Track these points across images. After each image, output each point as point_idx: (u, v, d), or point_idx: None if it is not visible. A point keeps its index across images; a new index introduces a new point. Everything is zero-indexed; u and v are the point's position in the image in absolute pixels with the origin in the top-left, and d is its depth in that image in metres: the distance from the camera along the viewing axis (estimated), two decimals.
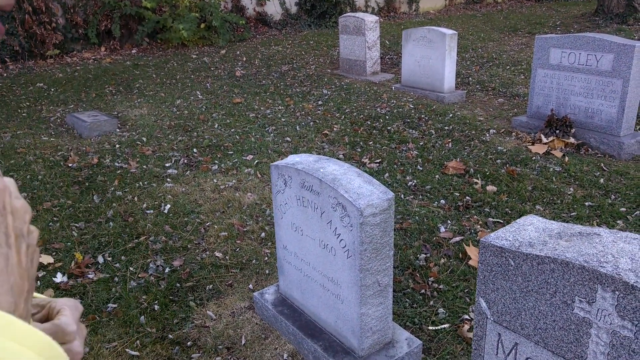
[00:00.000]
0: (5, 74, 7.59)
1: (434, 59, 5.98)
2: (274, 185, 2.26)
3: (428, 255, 2.91)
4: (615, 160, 4.27)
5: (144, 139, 4.91)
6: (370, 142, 4.71)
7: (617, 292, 1.03)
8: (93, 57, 8.45)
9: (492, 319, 1.33)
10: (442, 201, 3.58)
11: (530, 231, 1.28)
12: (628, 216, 3.34)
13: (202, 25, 8.93)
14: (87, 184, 3.97)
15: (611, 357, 1.09)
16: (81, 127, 5.14)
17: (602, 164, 4.15)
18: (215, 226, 3.31)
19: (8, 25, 7.99)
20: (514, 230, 1.29)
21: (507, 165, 4.14)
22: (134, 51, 8.84)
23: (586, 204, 3.51)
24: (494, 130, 4.98)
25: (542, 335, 1.21)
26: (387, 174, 4.02)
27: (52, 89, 6.80)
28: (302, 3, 11.16)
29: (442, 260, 2.85)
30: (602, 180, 3.84)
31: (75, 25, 8.64)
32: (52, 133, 5.21)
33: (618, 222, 3.27)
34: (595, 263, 1.07)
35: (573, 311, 1.13)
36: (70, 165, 4.31)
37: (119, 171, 4.18)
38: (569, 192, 3.67)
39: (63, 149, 4.68)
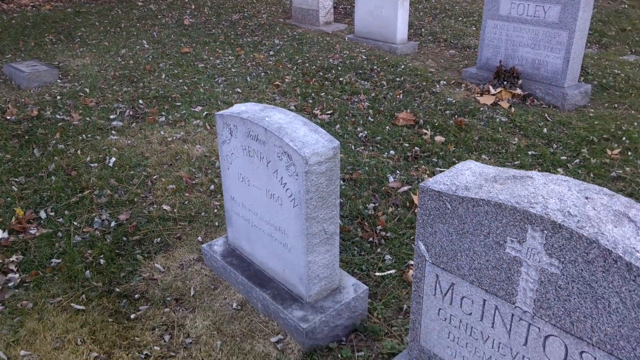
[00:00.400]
0: None
1: (386, 9, 5.91)
2: (219, 135, 2.22)
3: (377, 204, 2.95)
4: (559, 110, 4.39)
5: (87, 90, 4.70)
6: (322, 94, 4.67)
7: (545, 231, 1.07)
8: (31, 4, 7.94)
9: (430, 261, 1.37)
10: (392, 152, 3.61)
11: (467, 175, 1.31)
12: (568, 164, 3.47)
13: None
14: (26, 137, 3.79)
15: (539, 293, 1.14)
16: (19, 78, 4.86)
17: (546, 115, 4.26)
18: (163, 179, 3.24)
19: None
20: (452, 175, 1.31)
21: (456, 116, 4.20)
22: None
23: (529, 153, 3.62)
24: (445, 82, 5.02)
25: (476, 275, 1.26)
26: (338, 126, 4.02)
27: None
28: None
29: (390, 209, 2.90)
30: (545, 130, 3.96)
31: None
32: None
33: (559, 170, 3.40)
34: (526, 204, 1.11)
35: (505, 251, 1.17)
36: (8, 117, 4.10)
37: (60, 124, 4.00)
38: (514, 142, 3.77)
39: (0, 101, 4.44)
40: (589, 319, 1.06)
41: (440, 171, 3.35)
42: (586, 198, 1.11)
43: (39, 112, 4.21)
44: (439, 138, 3.81)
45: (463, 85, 4.95)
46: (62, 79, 5.04)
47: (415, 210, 2.87)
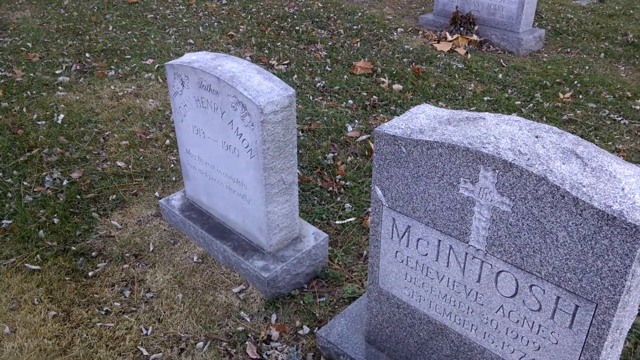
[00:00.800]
0: None
1: None
2: (170, 87, 2.14)
3: (336, 154, 2.95)
4: (514, 56, 4.43)
5: (29, 44, 4.45)
6: (279, 43, 4.56)
7: (497, 170, 1.09)
8: None
9: (387, 205, 1.38)
10: (350, 101, 3.59)
11: (422, 119, 1.30)
12: (522, 109, 3.54)
13: None
14: None
15: (492, 231, 1.17)
16: None
17: (501, 60, 4.30)
18: (116, 135, 3.14)
19: None
20: (407, 119, 1.31)
21: (413, 64, 4.19)
22: None
23: (485, 98, 3.66)
24: (402, 29, 4.97)
25: (431, 217, 1.28)
26: (295, 76, 3.95)
27: None
28: None
29: (349, 159, 2.91)
30: (500, 76, 4.00)
31: None
32: None
33: (513, 114, 3.46)
34: (479, 145, 1.12)
35: (459, 192, 1.19)
36: None
37: (2, 80, 3.79)
38: (470, 88, 3.81)
39: None
40: (538, 254, 1.10)
41: None
42: (536, 137, 1.13)
43: None
44: (396, 86, 3.81)
45: (420, 32, 4.92)
46: (2, 33, 4.75)
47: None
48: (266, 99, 1.75)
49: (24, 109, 3.41)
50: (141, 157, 2.94)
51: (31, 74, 3.89)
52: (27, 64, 4.08)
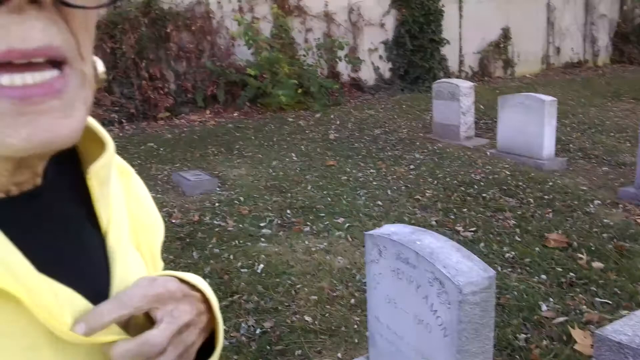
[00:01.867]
0: (121, 134, 8.34)
1: (532, 125, 5.83)
2: (367, 254, 2.27)
3: (528, 335, 2.74)
4: None
5: (242, 198, 5.14)
6: (465, 209, 4.60)
7: None
8: (199, 120, 9.09)
9: None
10: (543, 276, 3.38)
11: None
12: None
13: (300, 91, 9.36)
14: (188, 240, 4.18)
15: None
16: (185, 185, 5.48)
17: None
18: (306, 289, 3.34)
19: (127, 90, 8.85)
20: (633, 324, 1.20)
21: (615, 240, 3.87)
22: (235, 114, 9.41)
23: None
24: (599, 201, 4.70)
25: None
26: (482, 244, 3.89)
27: (161, 149, 7.35)
28: (396, 69, 11.41)
29: (545, 342, 2.67)
30: None
31: (185, 91, 9.39)
32: (159, 190, 5.59)
33: None
34: None
35: None
36: (173, 221, 4.58)
37: (217, 229, 4.37)
38: None
39: (168, 206, 5.00)
40: None
41: (602, 303, 3.04)
42: None
43: (200, 217, 4.66)
44: (596, 264, 3.51)
45: (620, 205, 4.59)
46: (221, 187, 5.58)
47: (575, 347, 2.61)
48: (465, 278, 1.75)
49: (232, 257, 3.85)
50: (327, 314, 3.05)
51: (240, 225, 4.44)
52: (238, 215, 4.67)
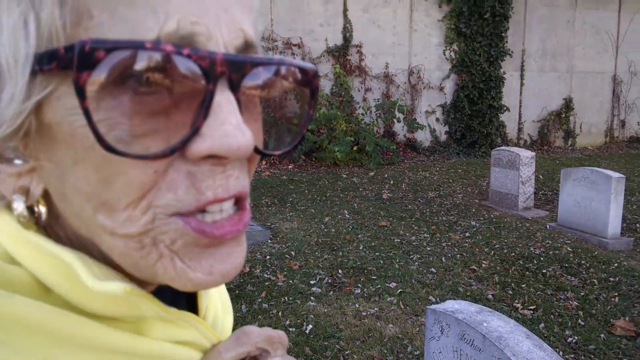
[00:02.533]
0: None
1: (596, 201, 5.61)
2: (428, 330, 2.18)
3: None
4: None
5: (293, 252, 5.12)
6: (523, 285, 4.40)
7: None
8: (255, 170, 9.27)
9: None
10: None
11: None
12: None
13: (355, 148, 9.45)
14: (237, 292, 4.17)
15: None
16: None
17: None
18: (355, 356, 3.23)
19: None
20: None
21: None
22: (290, 167, 9.55)
23: None
24: None
25: None
26: (542, 324, 3.68)
27: None
28: (453, 132, 11.37)
29: None
30: None
31: None
32: None
33: None
34: None
35: None
36: None
37: (267, 283, 4.35)
38: None
39: None
40: None
41: None
42: None
43: (250, 269, 4.66)
44: None
45: None
46: (272, 239, 5.59)
47: None
48: None
49: (280, 314, 3.80)
50: None
51: (290, 281, 4.40)
52: (288, 270, 4.64)
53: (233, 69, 0.36)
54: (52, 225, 0.42)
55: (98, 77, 0.32)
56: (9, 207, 0.41)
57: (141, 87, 0.33)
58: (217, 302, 0.59)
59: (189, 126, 0.35)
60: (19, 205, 0.38)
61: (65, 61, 0.32)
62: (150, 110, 0.34)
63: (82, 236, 0.40)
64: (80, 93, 0.32)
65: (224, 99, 0.36)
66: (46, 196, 0.39)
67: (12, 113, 0.34)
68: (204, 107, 0.35)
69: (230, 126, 0.35)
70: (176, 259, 0.38)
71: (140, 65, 0.33)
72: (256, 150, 0.41)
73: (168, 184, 0.36)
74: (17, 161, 0.38)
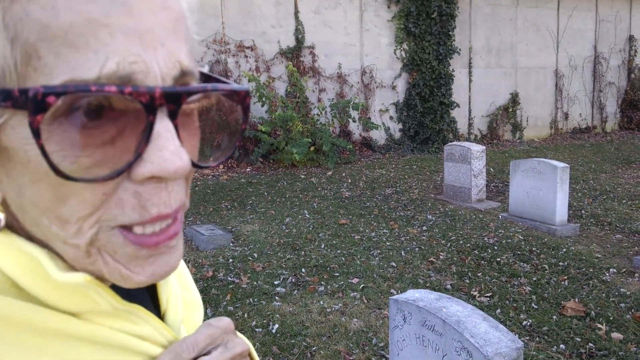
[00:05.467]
0: None
1: (544, 190, 5.88)
2: (391, 320, 2.27)
3: None
4: None
5: (255, 254, 5.15)
6: (479, 274, 4.59)
7: None
8: (212, 174, 9.21)
9: None
10: (562, 346, 3.34)
11: None
12: None
13: (312, 148, 9.53)
14: (202, 296, 4.16)
15: None
16: (199, 240, 5.51)
17: None
18: (322, 351, 3.30)
19: None
20: None
21: (633, 311, 3.83)
22: (248, 169, 9.55)
23: None
24: (614, 270, 4.67)
25: None
26: (498, 310, 3.86)
27: None
28: (406, 129, 11.63)
29: None
30: None
31: None
32: None
33: None
34: None
35: None
36: None
37: (231, 286, 4.37)
38: None
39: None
40: None
41: None
42: None
43: (213, 273, 4.66)
44: (615, 335, 3.46)
45: (636, 275, 4.56)
46: (234, 242, 5.60)
47: None
48: (493, 349, 1.75)
49: (246, 315, 3.83)
50: None
51: (254, 282, 4.43)
52: (252, 272, 4.67)
53: (170, 100, 0.40)
54: (13, 226, 0.46)
55: (50, 116, 0.37)
56: None
57: (88, 121, 0.38)
58: (178, 296, 0.62)
59: (133, 152, 0.40)
60: None
61: (19, 102, 0.36)
62: (98, 140, 0.39)
63: (40, 240, 0.44)
64: (36, 133, 0.36)
65: (162, 127, 0.40)
66: (4, 203, 0.44)
67: None
68: (145, 135, 0.40)
69: (167, 152, 0.40)
70: (120, 266, 0.43)
71: (85, 104, 0.38)
72: (193, 164, 0.46)
73: (117, 202, 0.41)
74: None
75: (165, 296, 0.59)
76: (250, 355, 0.62)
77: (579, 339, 3.42)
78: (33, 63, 0.37)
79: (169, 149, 0.40)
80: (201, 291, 4.26)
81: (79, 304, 0.45)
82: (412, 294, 2.21)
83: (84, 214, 0.41)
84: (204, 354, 0.52)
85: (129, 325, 0.48)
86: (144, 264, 0.44)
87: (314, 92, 10.74)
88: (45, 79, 0.37)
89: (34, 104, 0.35)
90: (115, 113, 0.39)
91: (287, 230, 5.96)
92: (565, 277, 4.48)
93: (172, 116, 0.41)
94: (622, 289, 4.22)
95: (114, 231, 0.42)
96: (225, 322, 0.56)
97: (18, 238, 0.44)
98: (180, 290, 0.67)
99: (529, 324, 3.66)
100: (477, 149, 7.04)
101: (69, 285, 0.43)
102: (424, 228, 6.00)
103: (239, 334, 0.60)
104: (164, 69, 0.41)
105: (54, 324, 0.43)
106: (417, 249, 5.28)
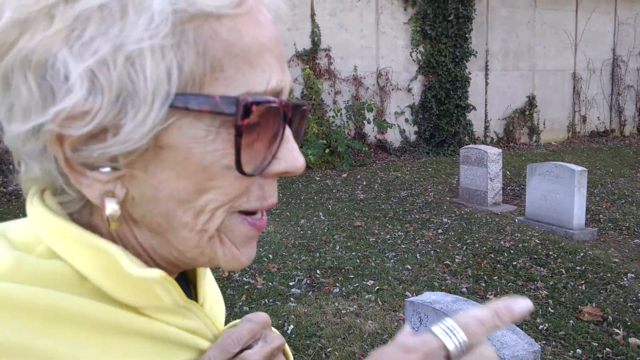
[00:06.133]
0: None
1: (561, 194, 5.83)
2: (407, 321, 2.28)
3: None
4: None
5: (270, 256, 5.18)
6: (495, 277, 4.56)
7: None
8: None
9: None
10: (579, 350, 3.31)
11: None
12: None
13: (327, 150, 9.55)
14: None
15: None
16: None
17: None
18: (337, 352, 3.31)
19: None
20: None
21: None
22: None
23: None
24: (632, 275, 4.62)
25: None
26: None
27: None
28: (422, 132, 11.59)
29: None
30: None
31: None
32: None
33: None
34: None
35: None
36: None
37: (246, 286, 4.40)
38: None
39: None
40: None
41: None
42: None
43: (229, 273, 4.70)
44: (633, 340, 3.43)
45: None
46: None
47: None
48: (510, 352, 1.75)
49: None
50: None
51: (269, 283, 4.46)
52: (267, 273, 4.70)
53: (294, 112, 0.50)
54: (93, 221, 0.49)
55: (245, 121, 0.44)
56: (41, 197, 0.48)
57: (250, 126, 0.45)
58: (211, 293, 0.66)
59: (270, 152, 0.47)
60: (112, 206, 0.45)
61: (221, 108, 0.43)
62: (248, 142, 0.46)
63: (155, 231, 0.48)
64: (239, 134, 0.43)
65: (288, 132, 0.49)
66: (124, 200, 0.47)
67: (140, 134, 0.42)
68: (279, 138, 0.47)
69: (296, 152, 0.49)
70: (233, 247, 0.50)
71: (261, 112, 0.46)
72: None
73: (248, 193, 0.48)
74: (104, 169, 0.44)
75: (203, 290, 0.62)
76: (284, 350, 0.65)
77: (595, 344, 3.39)
78: (216, 74, 0.43)
79: (296, 150, 0.49)
80: None
81: (144, 299, 0.47)
82: (428, 296, 2.22)
83: (219, 204, 0.46)
84: (246, 348, 0.55)
85: (183, 321, 0.51)
86: (247, 246, 0.51)
87: (329, 94, 10.76)
88: (224, 89, 0.43)
89: (244, 110, 0.43)
90: (265, 120, 0.46)
91: (302, 232, 5.98)
92: (583, 282, 4.44)
93: (291, 124, 0.50)
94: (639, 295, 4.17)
95: (234, 214, 0.48)
96: (263, 317, 0.59)
97: (93, 235, 0.46)
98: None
99: (545, 328, 3.64)
100: (493, 151, 7.01)
101: (143, 280, 0.46)
102: (440, 231, 5.98)
103: (273, 329, 0.63)
104: (288, 85, 0.49)
105: (118, 320, 0.46)
106: (432, 251, 5.27)
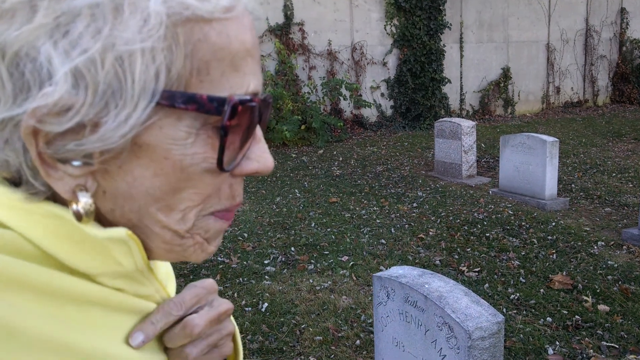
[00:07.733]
0: None
1: (534, 165, 5.88)
2: (375, 297, 2.28)
3: None
4: None
5: (245, 234, 5.15)
6: (468, 249, 4.61)
7: None
8: None
9: None
10: (549, 319, 3.37)
11: None
12: None
13: (303, 127, 9.47)
14: (191, 277, 4.18)
15: None
16: None
17: None
18: (311, 329, 3.32)
19: None
20: None
21: (620, 283, 3.86)
22: None
23: None
24: (602, 243, 4.70)
25: None
26: (487, 285, 3.88)
27: None
28: (398, 106, 11.57)
29: None
30: None
31: None
32: None
33: None
34: None
35: None
36: None
37: (221, 266, 4.37)
38: None
39: None
40: None
41: (608, 346, 3.02)
42: None
43: None
44: (602, 307, 3.50)
45: (624, 247, 4.59)
46: None
47: None
48: (474, 323, 1.75)
49: (235, 294, 3.84)
50: (332, 356, 3.03)
51: (244, 262, 4.44)
52: (242, 252, 4.67)
53: (264, 108, 0.49)
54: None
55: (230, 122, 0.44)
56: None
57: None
58: (163, 265, 0.66)
59: (240, 152, 0.47)
60: (86, 200, 0.44)
61: (208, 107, 0.42)
62: (231, 141, 0.46)
63: (131, 224, 0.47)
64: (225, 133, 0.43)
65: (259, 132, 0.50)
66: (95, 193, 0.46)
67: (121, 133, 0.41)
68: (249, 137, 0.47)
69: (267, 153, 0.50)
70: (205, 243, 0.50)
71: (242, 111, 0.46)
72: None
73: (218, 192, 0.48)
74: (76, 162, 0.43)
75: (164, 269, 0.64)
76: (234, 336, 0.64)
77: (565, 312, 3.46)
78: (201, 77, 0.43)
79: (267, 150, 0.50)
80: (191, 272, 4.27)
81: (101, 265, 0.46)
82: (395, 270, 2.21)
83: (192, 204, 0.47)
84: (191, 312, 0.55)
85: (137, 286, 0.51)
86: (217, 238, 0.52)
87: (304, 69, 10.64)
88: (208, 91, 0.43)
89: (231, 110, 0.43)
90: (240, 120, 0.46)
91: (277, 210, 5.95)
92: (554, 251, 4.51)
93: (261, 121, 0.50)
94: (609, 262, 4.25)
95: (207, 216, 0.49)
96: (209, 282, 0.59)
97: (49, 204, 0.44)
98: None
99: (516, 297, 3.69)
100: (467, 124, 7.02)
101: (106, 242, 0.45)
102: (414, 205, 6.01)
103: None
104: (261, 89, 0.49)
105: (70, 288, 0.44)
106: (407, 225, 5.29)
